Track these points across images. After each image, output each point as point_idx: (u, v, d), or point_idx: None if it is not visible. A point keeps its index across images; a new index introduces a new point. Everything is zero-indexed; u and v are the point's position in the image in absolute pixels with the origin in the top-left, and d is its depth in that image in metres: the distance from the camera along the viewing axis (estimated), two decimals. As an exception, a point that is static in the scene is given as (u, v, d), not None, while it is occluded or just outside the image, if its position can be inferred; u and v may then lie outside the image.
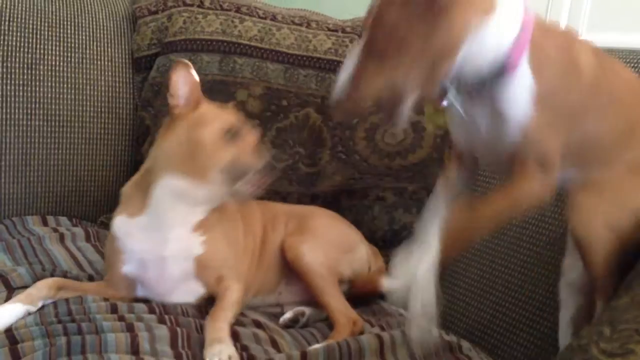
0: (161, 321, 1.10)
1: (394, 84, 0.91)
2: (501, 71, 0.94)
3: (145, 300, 1.21)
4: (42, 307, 1.13)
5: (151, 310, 1.15)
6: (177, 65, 1.18)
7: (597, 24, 1.77)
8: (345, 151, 1.68)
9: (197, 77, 1.21)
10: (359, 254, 1.43)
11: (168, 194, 1.18)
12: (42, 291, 1.14)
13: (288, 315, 1.29)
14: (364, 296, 1.41)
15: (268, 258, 1.34)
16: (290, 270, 1.33)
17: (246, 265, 1.30)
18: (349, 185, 1.68)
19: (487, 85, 0.96)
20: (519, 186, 0.98)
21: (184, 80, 1.19)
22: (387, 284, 1.37)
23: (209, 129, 1.18)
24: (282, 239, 1.35)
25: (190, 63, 1.20)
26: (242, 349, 1.08)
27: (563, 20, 1.83)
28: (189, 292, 1.22)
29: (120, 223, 1.22)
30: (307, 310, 1.30)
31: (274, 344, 1.12)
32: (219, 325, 1.09)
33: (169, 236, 1.19)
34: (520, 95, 0.96)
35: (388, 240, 1.65)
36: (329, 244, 1.35)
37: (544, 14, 1.87)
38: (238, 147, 1.19)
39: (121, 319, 1.09)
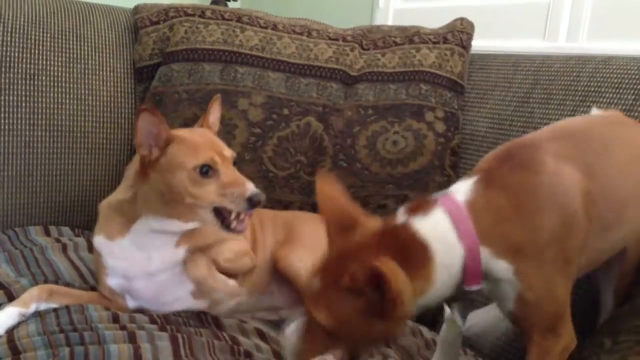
0: (162, 330, 1.10)
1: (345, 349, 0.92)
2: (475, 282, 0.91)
3: (140, 311, 1.21)
4: (43, 315, 1.14)
5: (152, 321, 1.15)
6: (140, 113, 1.11)
7: (597, 32, 1.77)
8: (346, 159, 1.68)
9: (161, 118, 1.13)
10: None
11: (149, 228, 1.17)
12: (33, 294, 1.16)
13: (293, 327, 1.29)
14: None
15: (259, 257, 1.34)
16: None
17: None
18: (350, 193, 1.67)
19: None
20: None
21: (150, 126, 1.11)
22: None
23: (181, 174, 1.11)
24: (272, 248, 1.36)
25: (152, 106, 1.13)
26: (245, 355, 1.08)
27: (563, 28, 1.84)
28: (184, 297, 1.23)
29: (101, 243, 1.21)
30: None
31: (277, 356, 1.12)
32: (200, 256, 1.16)
33: (151, 255, 1.19)
34: (504, 292, 0.92)
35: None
36: (317, 250, 1.35)
37: (543, 23, 1.88)
38: (216, 183, 1.12)
39: (123, 328, 1.09)
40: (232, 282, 1.20)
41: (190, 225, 1.17)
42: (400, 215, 0.91)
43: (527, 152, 0.95)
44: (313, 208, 1.67)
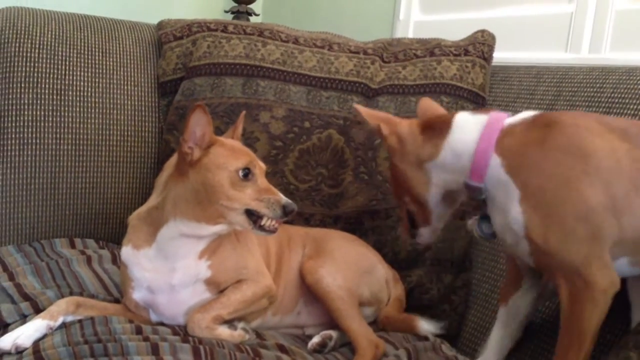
0: (185, 341, 1.11)
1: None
2: (475, 185, 1.08)
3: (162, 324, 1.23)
4: (68, 326, 1.16)
5: (175, 332, 1.16)
6: (195, 109, 1.14)
7: (620, 43, 1.75)
8: (367, 172, 1.68)
9: (211, 119, 1.18)
10: (377, 274, 1.43)
11: (176, 233, 1.19)
12: (61, 306, 1.18)
13: (316, 339, 1.28)
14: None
15: (285, 277, 1.34)
16: (309, 291, 1.33)
17: (266, 265, 1.30)
18: (371, 206, 1.68)
19: (485, 195, 1.08)
20: (572, 308, 0.99)
21: (200, 124, 1.15)
22: (424, 327, 1.38)
23: (222, 174, 1.15)
24: (301, 262, 1.36)
25: (204, 105, 1.16)
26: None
27: (586, 39, 1.82)
28: None
29: (128, 254, 1.23)
30: (334, 333, 1.30)
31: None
32: (200, 316, 1.15)
33: (175, 266, 1.20)
34: (508, 204, 1.03)
35: (411, 260, 1.64)
36: (347, 266, 1.35)
37: (566, 34, 1.87)
38: (253, 187, 1.17)
39: (146, 339, 1.10)
40: (237, 333, 1.18)
41: (218, 228, 1.19)
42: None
43: (576, 117, 1.06)
44: (334, 221, 1.68)
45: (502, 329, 1.23)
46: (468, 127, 1.09)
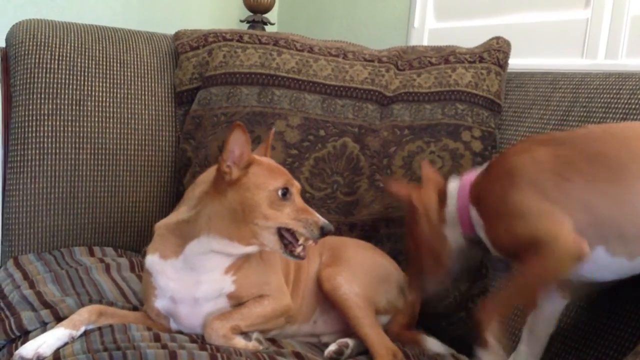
0: (202, 349, 1.12)
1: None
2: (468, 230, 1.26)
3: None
4: (88, 334, 1.17)
5: (192, 340, 1.17)
6: (234, 129, 1.14)
7: (637, 48, 1.74)
8: (383, 179, 1.68)
9: (249, 139, 1.18)
10: (393, 283, 1.43)
11: (207, 248, 1.19)
12: (83, 316, 1.18)
13: (332, 347, 1.28)
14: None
15: (303, 286, 1.35)
16: (325, 299, 1.33)
17: (285, 283, 1.30)
18: (387, 213, 1.68)
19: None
20: (529, 259, 1.09)
21: (239, 143, 1.15)
22: (432, 347, 1.39)
23: (262, 194, 1.15)
24: (318, 270, 1.36)
25: (243, 125, 1.16)
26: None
27: (602, 45, 1.81)
28: None
29: (154, 262, 1.23)
30: (350, 341, 1.30)
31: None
32: (219, 323, 1.16)
33: (200, 279, 1.21)
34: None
35: (428, 268, 1.64)
36: (364, 274, 1.35)
37: (582, 40, 1.86)
38: (290, 207, 1.17)
39: (164, 347, 1.11)
40: (252, 344, 1.19)
41: (250, 249, 1.19)
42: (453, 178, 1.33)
43: (517, 147, 1.24)
44: (350, 228, 1.68)
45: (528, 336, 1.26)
46: (452, 194, 1.28)
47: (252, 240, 1.17)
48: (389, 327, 1.39)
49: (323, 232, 1.15)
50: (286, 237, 1.17)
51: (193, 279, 1.21)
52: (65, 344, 1.14)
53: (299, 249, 1.16)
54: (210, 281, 1.21)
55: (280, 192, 1.16)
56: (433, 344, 1.39)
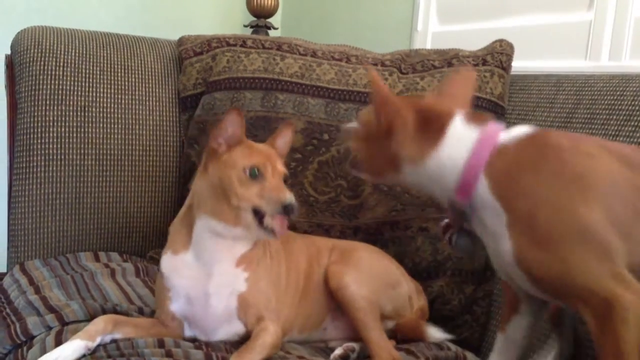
0: (208, 357, 1.12)
1: None
2: (464, 198, 0.99)
3: (192, 339, 1.23)
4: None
5: (197, 347, 1.17)
6: (229, 111, 1.19)
7: (641, 50, 1.74)
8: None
9: (244, 122, 1.22)
10: (401, 290, 1.42)
11: (207, 232, 1.21)
12: (99, 326, 1.16)
13: (338, 351, 1.28)
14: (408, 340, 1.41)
15: (313, 292, 1.35)
16: (336, 305, 1.33)
17: (287, 307, 1.30)
18: (391, 216, 1.68)
19: (473, 211, 1.00)
20: (604, 333, 0.89)
21: (233, 124, 1.20)
22: (433, 334, 1.38)
23: (232, 172, 1.18)
24: (326, 267, 1.36)
25: (240, 110, 1.20)
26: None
27: (605, 47, 1.81)
28: (231, 332, 1.24)
29: (167, 260, 1.25)
30: (357, 346, 1.30)
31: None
32: None
33: (212, 271, 1.22)
34: (497, 228, 0.95)
35: (432, 271, 1.64)
36: (373, 278, 1.35)
37: (585, 42, 1.86)
38: (260, 186, 1.18)
39: (168, 353, 1.11)
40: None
41: (238, 231, 1.20)
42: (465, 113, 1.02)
43: (575, 140, 0.99)
44: (354, 232, 1.68)
45: (498, 357, 1.16)
46: (461, 140, 0.98)
47: (236, 221, 1.19)
48: (399, 329, 1.40)
49: (286, 210, 1.15)
50: (259, 214, 1.17)
51: (205, 271, 1.22)
52: (83, 355, 1.11)
53: (271, 224, 1.16)
54: (222, 273, 1.22)
55: (248, 171, 1.18)
56: (434, 331, 1.40)
